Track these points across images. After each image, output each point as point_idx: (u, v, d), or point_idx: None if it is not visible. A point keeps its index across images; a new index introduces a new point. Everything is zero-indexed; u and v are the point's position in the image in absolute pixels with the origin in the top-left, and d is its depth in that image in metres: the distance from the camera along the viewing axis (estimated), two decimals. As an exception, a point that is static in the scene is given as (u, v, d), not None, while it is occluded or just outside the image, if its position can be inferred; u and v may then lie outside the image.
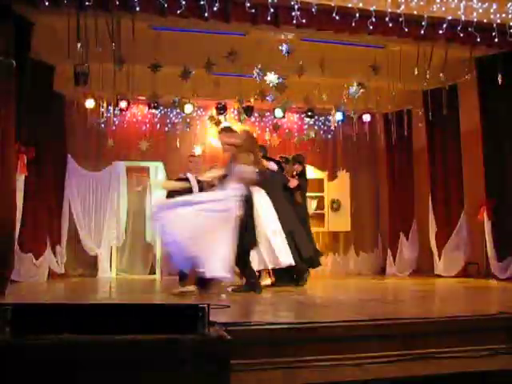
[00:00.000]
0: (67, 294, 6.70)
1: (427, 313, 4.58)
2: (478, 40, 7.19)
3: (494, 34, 7.21)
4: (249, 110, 9.64)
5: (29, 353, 2.92)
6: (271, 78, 7.99)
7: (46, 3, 6.01)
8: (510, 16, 7.24)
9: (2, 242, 6.01)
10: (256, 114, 10.36)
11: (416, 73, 7.50)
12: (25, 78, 6.80)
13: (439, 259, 9.21)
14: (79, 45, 6.46)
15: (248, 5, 6.51)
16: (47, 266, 8.27)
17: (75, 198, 9.46)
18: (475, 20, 7.14)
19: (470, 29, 7.14)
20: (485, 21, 7.19)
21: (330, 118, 10.24)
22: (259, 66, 8.01)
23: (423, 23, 7.03)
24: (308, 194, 10.42)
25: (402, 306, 5.45)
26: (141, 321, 3.09)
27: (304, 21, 6.71)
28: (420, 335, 3.91)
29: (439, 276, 9.03)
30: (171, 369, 2.98)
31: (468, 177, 8.99)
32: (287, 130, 10.87)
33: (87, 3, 6.10)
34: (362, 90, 8.58)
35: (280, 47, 7.56)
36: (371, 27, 6.90)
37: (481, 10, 7.16)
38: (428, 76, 7.63)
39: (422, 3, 7.00)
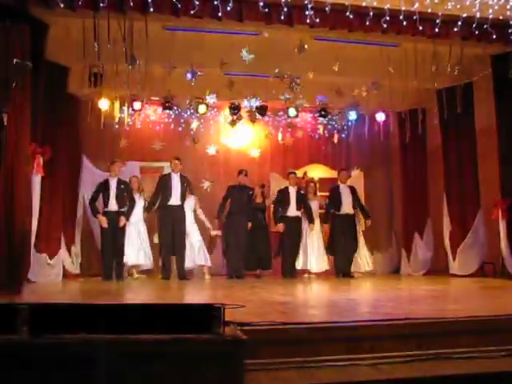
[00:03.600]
0: (82, 294, 6.74)
1: (442, 313, 4.55)
2: (494, 37, 7.13)
3: (510, 30, 7.15)
4: (262, 110, 9.65)
5: (45, 352, 2.94)
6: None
7: (61, 5, 6.06)
8: (526, 13, 7.18)
9: (19, 242, 6.06)
10: (269, 113, 10.37)
11: (434, 70, 7.45)
12: (40, 80, 6.86)
13: (453, 259, 9.15)
14: (95, 46, 6.49)
15: (261, 4, 6.51)
16: (62, 266, 8.33)
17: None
18: (491, 17, 7.08)
19: (485, 26, 7.09)
20: (500, 17, 7.13)
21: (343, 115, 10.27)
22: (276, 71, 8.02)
23: (438, 21, 6.99)
24: (322, 194, 10.50)
25: (417, 305, 5.41)
26: (156, 321, 3.10)
27: (317, 20, 6.71)
28: (435, 335, 3.88)
29: (454, 275, 8.97)
30: (186, 368, 2.99)
31: (483, 176, 8.91)
32: (301, 130, 10.86)
33: (102, 4, 6.13)
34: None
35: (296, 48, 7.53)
36: (385, 26, 6.88)
37: (496, 7, 7.10)
38: (443, 74, 7.58)
39: (436, 1, 6.95)
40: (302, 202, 9.52)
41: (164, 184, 9.06)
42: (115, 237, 8.69)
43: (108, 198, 8.78)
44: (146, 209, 9.27)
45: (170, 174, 9.18)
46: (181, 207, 8.98)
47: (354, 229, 9.68)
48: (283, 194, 9.56)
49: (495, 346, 3.87)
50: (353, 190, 9.82)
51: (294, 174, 9.85)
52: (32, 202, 6.61)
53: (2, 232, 5.79)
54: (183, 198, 9.03)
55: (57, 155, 7.83)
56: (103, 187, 8.86)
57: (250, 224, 9.37)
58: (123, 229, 8.81)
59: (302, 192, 9.63)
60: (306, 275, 9.34)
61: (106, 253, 8.66)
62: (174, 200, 8.93)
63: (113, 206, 8.76)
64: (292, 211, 9.45)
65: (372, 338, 3.78)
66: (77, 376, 2.93)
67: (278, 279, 9.06)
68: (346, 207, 9.64)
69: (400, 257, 10.49)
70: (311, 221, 9.40)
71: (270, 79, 8.27)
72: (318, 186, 10.45)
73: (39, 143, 6.99)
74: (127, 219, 8.88)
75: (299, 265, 9.36)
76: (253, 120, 9.88)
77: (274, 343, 3.64)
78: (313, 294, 6.87)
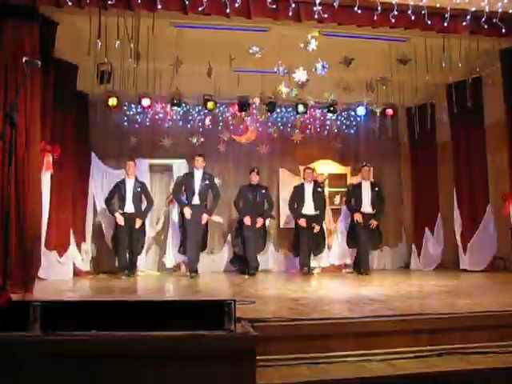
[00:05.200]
0: (93, 291, 6.76)
1: (454, 308, 4.53)
2: (503, 31, 7.07)
3: (519, 24, 7.10)
4: (271, 106, 9.65)
5: (57, 348, 2.96)
6: (299, 74, 7.93)
7: (70, 3, 6.07)
8: (536, 6, 7.12)
9: (29, 240, 6.09)
10: (278, 110, 10.38)
11: (444, 65, 7.41)
12: (49, 78, 6.89)
13: (464, 254, 9.11)
14: (99, 43, 6.51)
15: (269, 0, 6.50)
16: (72, 263, 8.37)
17: (99, 195, 9.54)
18: (500, 11, 7.03)
19: (494, 20, 7.03)
20: (510, 11, 7.07)
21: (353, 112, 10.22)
22: (281, 64, 7.96)
23: (446, 15, 6.94)
24: (332, 189, 10.47)
25: (428, 301, 5.40)
26: (168, 317, 3.11)
27: (326, 15, 6.68)
28: (447, 331, 3.88)
29: (465, 271, 8.94)
30: (197, 364, 3.00)
31: (493, 170, 8.87)
32: (310, 126, 10.85)
33: (110, 2, 6.14)
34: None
35: (302, 44, 7.50)
36: (393, 20, 6.84)
37: (506, 1, 7.04)
38: (452, 69, 7.54)
39: (444, -5, 6.92)
40: (319, 201, 9.32)
41: (185, 181, 9.01)
42: (131, 238, 8.75)
43: (124, 200, 8.84)
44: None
45: (192, 171, 9.11)
46: (200, 207, 8.83)
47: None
48: (298, 191, 9.38)
49: (507, 340, 3.86)
50: (374, 187, 9.49)
51: (311, 169, 9.62)
52: (42, 200, 6.64)
53: (13, 230, 5.81)
54: (203, 196, 8.90)
55: (66, 153, 7.85)
56: (119, 188, 8.92)
57: (262, 221, 9.21)
58: (141, 230, 8.89)
59: (319, 189, 9.41)
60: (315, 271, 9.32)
61: (121, 250, 8.72)
62: (195, 198, 8.84)
63: (129, 207, 8.82)
64: (307, 209, 9.24)
65: (383, 334, 3.78)
66: (88, 372, 2.95)
67: (291, 275, 9.07)
68: (367, 206, 9.33)
69: (410, 252, 10.47)
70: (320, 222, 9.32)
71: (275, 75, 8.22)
72: (327, 181, 10.45)
73: (48, 141, 7.02)
74: (143, 221, 8.92)
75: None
76: (262, 116, 9.88)
77: (285, 339, 3.64)
78: (323, 289, 6.85)
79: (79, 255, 8.81)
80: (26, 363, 2.92)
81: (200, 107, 10.09)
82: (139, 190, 8.98)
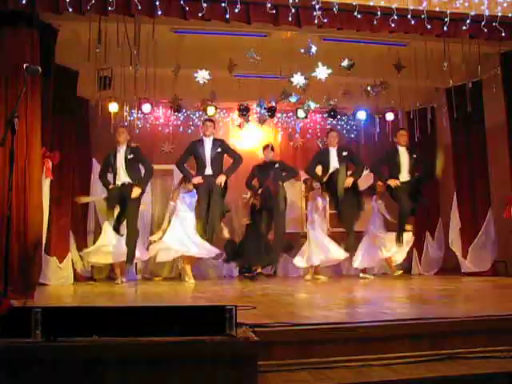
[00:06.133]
0: (94, 297, 6.76)
1: (455, 312, 4.53)
2: (503, 35, 7.09)
3: (519, 28, 7.11)
4: (271, 111, 9.66)
5: (58, 355, 2.96)
6: (298, 79, 7.95)
7: (70, 10, 6.08)
8: (536, 10, 7.14)
9: (30, 246, 6.10)
10: (278, 115, 10.39)
11: (444, 69, 7.42)
12: (50, 84, 6.90)
13: (464, 258, 9.09)
14: (99, 49, 6.53)
15: (269, 6, 6.52)
16: (73, 269, 8.37)
17: (101, 201, 9.53)
18: (499, 15, 7.05)
19: (494, 24, 7.05)
20: (509, 15, 7.09)
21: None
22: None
23: (446, 20, 6.96)
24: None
25: (429, 305, 5.39)
26: (169, 323, 3.11)
27: (325, 20, 6.70)
28: (448, 335, 3.87)
29: (466, 275, 8.93)
30: (198, 370, 3.00)
31: (494, 174, 8.87)
32: (310, 131, 10.87)
33: (110, 8, 6.16)
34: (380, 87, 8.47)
35: (307, 49, 7.52)
36: (393, 25, 6.86)
37: (505, 4, 7.08)
38: (452, 73, 7.55)
39: (444, -1, 6.95)
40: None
41: (194, 150, 8.17)
42: (124, 210, 7.83)
43: (116, 171, 7.93)
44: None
45: (201, 139, 8.28)
46: (214, 177, 7.94)
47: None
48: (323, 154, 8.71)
49: (509, 345, 3.85)
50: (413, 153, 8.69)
51: (336, 132, 9.15)
52: (42, 206, 6.64)
53: (14, 236, 5.82)
54: (218, 166, 8.05)
55: (67, 159, 7.86)
56: (111, 158, 8.05)
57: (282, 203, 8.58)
58: (137, 202, 7.88)
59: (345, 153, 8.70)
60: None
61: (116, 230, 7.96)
62: (208, 169, 8.01)
63: (122, 178, 7.94)
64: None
65: (385, 338, 3.77)
66: (89, 379, 2.95)
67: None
68: (406, 173, 8.53)
69: (411, 256, 10.45)
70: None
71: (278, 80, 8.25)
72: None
73: (49, 147, 7.03)
74: (143, 190, 7.96)
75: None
76: (262, 121, 9.89)
77: (286, 344, 3.64)
78: (324, 293, 6.85)
79: (81, 261, 8.80)
80: (28, 370, 2.92)
81: (200, 112, 10.10)
82: (132, 156, 8.01)
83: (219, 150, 8.05)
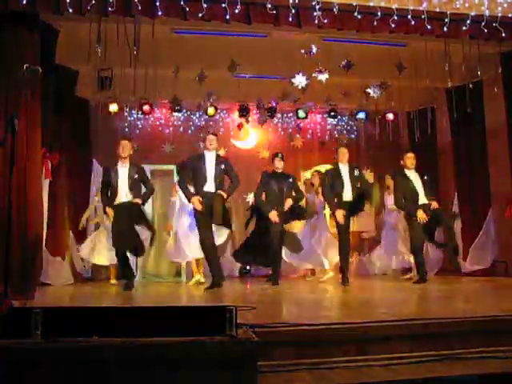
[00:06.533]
0: (95, 298, 6.76)
1: (455, 313, 4.52)
2: (503, 35, 7.09)
3: (519, 28, 7.12)
4: (271, 111, 9.67)
5: (58, 355, 2.96)
6: (299, 79, 7.95)
7: (70, 10, 6.09)
8: (536, 10, 7.14)
9: (31, 246, 6.10)
10: (278, 115, 10.40)
11: (445, 69, 7.42)
12: (50, 84, 6.91)
13: (465, 260, 9.09)
14: (99, 49, 6.53)
15: (269, 6, 6.52)
16: (73, 270, 8.37)
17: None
18: (500, 15, 7.05)
19: (494, 24, 7.06)
20: (510, 15, 7.10)
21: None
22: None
23: (446, 20, 6.97)
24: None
25: (429, 305, 5.40)
26: (169, 323, 3.11)
27: (326, 21, 6.70)
28: (448, 336, 3.87)
29: (466, 275, 8.92)
30: (199, 370, 3.00)
31: (494, 174, 8.87)
32: (310, 131, 10.88)
33: (110, 9, 6.17)
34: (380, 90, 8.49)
35: (308, 49, 7.53)
36: (393, 25, 6.86)
37: (505, 5, 7.08)
38: (452, 73, 7.56)
39: (444, 0, 6.94)
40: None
41: (195, 165, 7.31)
42: (130, 228, 6.99)
43: (117, 190, 7.09)
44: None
45: (202, 153, 7.47)
46: (215, 194, 7.11)
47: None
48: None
49: (509, 345, 3.85)
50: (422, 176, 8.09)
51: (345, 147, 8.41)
52: (43, 207, 6.65)
53: (15, 237, 5.82)
54: (218, 183, 7.23)
55: (67, 159, 7.87)
56: (108, 176, 7.18)
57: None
58: (140, 211, 7.14)
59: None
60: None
61: (120, 249, 7.06)
62: (209, 185, 7.18)
63: (123, 198, 7.10)
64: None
65: (385, 339, 3.77)
66: (89, 379, 2.95)
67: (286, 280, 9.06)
68: (423, 198, 7.84)
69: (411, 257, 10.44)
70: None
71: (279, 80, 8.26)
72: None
73: (49, 148, 7.03)
74: (143, 204, 7.26)
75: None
76: (262, 121, 9.90)
77: (286, 344, 3.64)
78: (324, 294, 6.85)
79: (81, 261, 8.81)
80: (28, 370, 2.92)
81: (201, 112, 10.12)
82: (136, 176, 7.24)
83: (223, 167, 7.34)
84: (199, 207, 7.02)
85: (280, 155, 8.10)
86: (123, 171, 7.16)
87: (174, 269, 9.92)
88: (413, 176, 8.00)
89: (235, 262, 9.46)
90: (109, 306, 5.12)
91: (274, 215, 7.68)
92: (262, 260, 8.23)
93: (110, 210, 7.02)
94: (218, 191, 7.11)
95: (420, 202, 7.74)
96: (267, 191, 7.96)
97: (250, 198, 9.62)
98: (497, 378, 3.40)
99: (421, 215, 7.51)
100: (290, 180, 8.07)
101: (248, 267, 9.86)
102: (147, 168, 9.78)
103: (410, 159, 8.10)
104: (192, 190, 7.32)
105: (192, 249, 7.94)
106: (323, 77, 7.83)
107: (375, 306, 5.35)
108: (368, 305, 5.47)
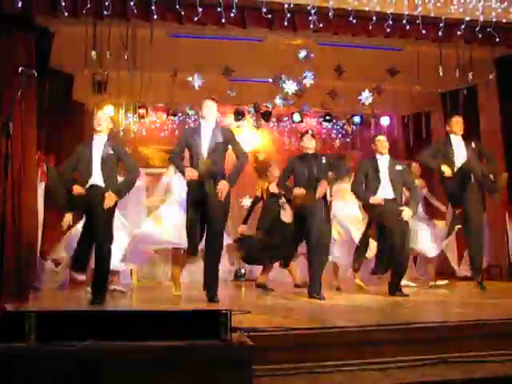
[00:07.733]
0: (88, 301, 6.73)
1: (451, 317, 4.53)
2: (498, 40, 7.13)
3: (514, 33, 7.16)
4: (266, 115, 9.68)
5: (53, 359, 2.95)
6: (290, 85, 7.95)
7: (65, 13, 6.09)
8: (530, 15, 7.18)
9: (25, 249, 6.08)
10: (274, 119, 10.41)
11: (440, 74, 7.44)
12: (45, 87, 6.90)
13: (459, 265, 9.08)
14: (94, 53, 6.54)
15: (264, 10, 6.53)
16: (67, 273, 8.33)
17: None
18: (494, 20, 7.09)
19: (488, 29, 7.09)
20: (504, 21, 7.13)
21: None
22: (280, 75, 7.98)
23: (441, 25, 7.00)
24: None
25: (426, 309, 5.40)
26: (163, 327, 3.11)
27: (321, 25, 6.72)
28: (444, 340, 3.87)
29: (461, 279, 8.92)
30: (193, 375, 2.99)
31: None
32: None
33: (105, 12, 6.17)
34: (372, 97, 8.46)
35: (297, 53, 7.55)
36: (388, 30, 6.88)
37: (500, 10, 7.11)
38: (447, 78, 7.58)
39: (439, 5, 6.97)
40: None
41: (190, 138, 5.99)
42: (93, 223, 5.76)
43: (87, 168, 5.80)
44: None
45: (198, 124, 6.22)
46: (213, 174, 5.75)
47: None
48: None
49: (504, 349, 3.86)
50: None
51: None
52: (37, 210, 6.63)
53: (9, 240, 5.79)
54: (215, 162, 5.81)
55: (62, 162, 7.83)
56: (85, 151, 5.89)
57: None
58: (109, 212, 5.76)
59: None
60: None
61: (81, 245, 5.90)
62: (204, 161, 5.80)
63: (96, 178, 5.80)
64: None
65: (379, 343, 3.77)
66: (85, 382, 2.94)
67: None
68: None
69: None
70: None
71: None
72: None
73: (44, 151, 7.02)
74: (119, 197, 5.91)
75: None
76: (257, 126, 9.91)
77: (281, 349, 3.63)
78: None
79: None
80: (22, 374, 2.91)
81: (196, 116, 10.11)
82: (111, 152, 5.88)
83: (220, 139, 5.89)
84: (194, 176, 5.65)
85: (310, 132, 6.76)
86: (96, 147, 5.88)
87: (169, 272, 9.87)
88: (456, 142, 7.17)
89: (230, 266, 9.47)
90: (103, 309, 5.10)
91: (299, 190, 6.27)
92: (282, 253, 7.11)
93: (77, 188, 5.73)
94: (221, 181, 5.74)
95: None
96: (295, 177, 6.54)
97: (246, 202, 9.60)
98: (492, 382, 3.40)
99: None
100: (323, 159, 6.49)
101: (243, 271, 9.82)
102: (142, 171, 9.82)
103: (458, 124, 7.28)
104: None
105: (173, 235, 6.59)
106: (308, 82, 7.82)
107: (373, 309, 5.34)
108: (365, 309, 5.46)
